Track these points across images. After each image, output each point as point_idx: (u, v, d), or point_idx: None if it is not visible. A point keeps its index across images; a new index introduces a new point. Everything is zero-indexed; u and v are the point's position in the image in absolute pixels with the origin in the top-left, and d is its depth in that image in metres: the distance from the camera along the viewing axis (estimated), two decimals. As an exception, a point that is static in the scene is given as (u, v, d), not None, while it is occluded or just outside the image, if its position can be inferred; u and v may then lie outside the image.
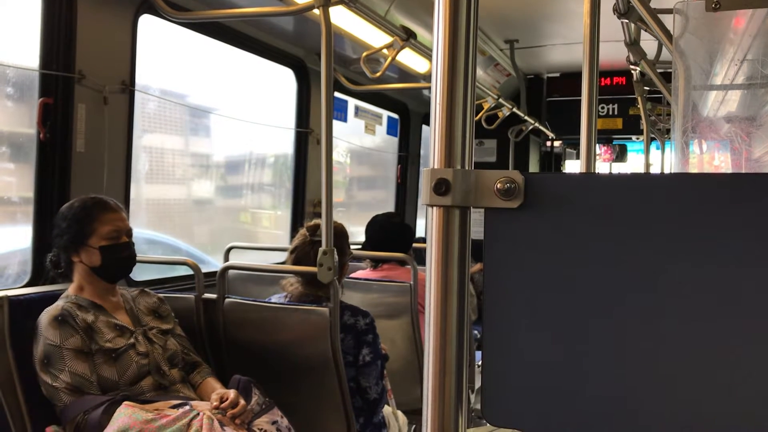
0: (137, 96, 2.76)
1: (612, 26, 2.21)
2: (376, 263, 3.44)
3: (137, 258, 2.27)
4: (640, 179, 0.67)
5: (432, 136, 0.70)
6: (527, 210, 0.67)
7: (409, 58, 3.77)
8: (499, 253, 0.69)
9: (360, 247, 3.56)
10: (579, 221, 0.66)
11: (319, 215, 3.49)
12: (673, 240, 0.64)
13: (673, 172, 2.17)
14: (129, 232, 2.24)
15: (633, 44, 2.53)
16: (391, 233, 3.51)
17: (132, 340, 2.14)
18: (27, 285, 2.40)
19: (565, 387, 0.67)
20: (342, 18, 2.95)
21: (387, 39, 3.06)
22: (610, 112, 6.11)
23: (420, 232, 5.88)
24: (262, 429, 2.09)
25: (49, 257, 2.22)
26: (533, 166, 6.73)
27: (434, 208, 0.68)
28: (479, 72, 5.02)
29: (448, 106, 0.68)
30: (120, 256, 2.18)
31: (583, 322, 0.66)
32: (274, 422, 2.14)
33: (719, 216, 0.62)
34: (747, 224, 0.61)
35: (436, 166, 0.68)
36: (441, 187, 0.67)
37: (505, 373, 0.69)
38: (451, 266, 0.68)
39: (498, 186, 0.67)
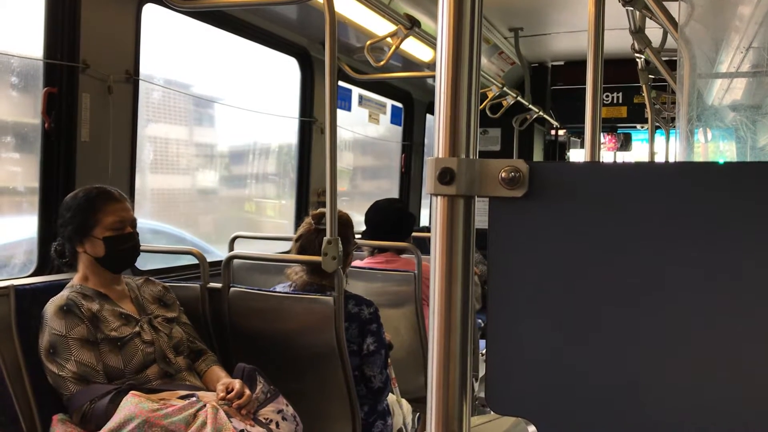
0: (142, 85, 2.76)
1: (617, 14, 2.20)
2: (373, 249, 3.44)
3: (142, 247, 2.27)
4: (644, 168, 0.67)
5: (436, 125, 0.69)
6: (532, 199, 0.67)
7: (413, 47, 3.76)
8: (503, 242, 0.69)
9: (361, 236, 3.55)
10: (583, 210, 0.66)
11: (323, 204, 3.49)
12: (677, 229, 0.63)
13: (677, 160, 2.16)
14: (133, 223, 2.24)
15: (638, 32, 2.51)
16: (390, 218, 3.49)
17: (137, 329, 2.15)
18: (33, 274, 2.41)
19: (569, 375, 0.67)
20: (346, 6, 2.94)
21: (391, 27, 3.04)
22: (615, 101, 6.08)
23: (424, 221, 5.88)
24: (267, 418, 2.11)
25: (53, 246, 2.22)
26: (537, 155, 6.71)
27: (439, 197, 0.68)
28: (483, 60, 5.00)
29: (453, 95, 0.68)
30: (124, 246, 2.19)
31: (587, 311, 0.66)
32: (280, 411, 2.15)
33: (724, 205, 0.62)
34: (753, 213, 0.61)
35: (440, 155, 0.68)
36: (445, 176, 0.67)
37: (509, 362, 0.69)
38: (456, 255, 0.68)
39: (502, 175, 0.67)
